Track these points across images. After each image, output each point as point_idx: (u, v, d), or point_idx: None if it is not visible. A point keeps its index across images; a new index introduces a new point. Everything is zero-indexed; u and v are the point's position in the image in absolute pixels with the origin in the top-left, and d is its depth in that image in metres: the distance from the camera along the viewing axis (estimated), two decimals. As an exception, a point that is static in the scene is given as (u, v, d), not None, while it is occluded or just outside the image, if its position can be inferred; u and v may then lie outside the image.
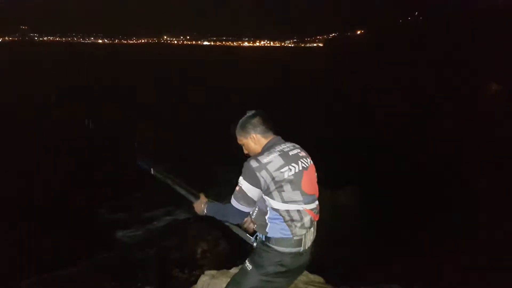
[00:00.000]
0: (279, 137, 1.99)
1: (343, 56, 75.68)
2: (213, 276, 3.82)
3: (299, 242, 1.90)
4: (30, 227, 9.71)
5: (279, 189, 1.81)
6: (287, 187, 1.82)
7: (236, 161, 1.96)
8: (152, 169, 2.33)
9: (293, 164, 1.85)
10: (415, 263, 6.87)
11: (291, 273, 1.99)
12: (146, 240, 9.86)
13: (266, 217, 1.90)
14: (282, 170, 1.81)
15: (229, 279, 2.11)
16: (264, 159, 1.82)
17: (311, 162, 1.97)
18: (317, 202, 1.95)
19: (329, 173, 6.32)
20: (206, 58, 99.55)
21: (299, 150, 1.95)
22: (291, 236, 1.87)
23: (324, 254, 1.82)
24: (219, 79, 44.12)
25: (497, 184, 10.43)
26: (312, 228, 1.95)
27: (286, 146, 1.93)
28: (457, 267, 6.70)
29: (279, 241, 1.89)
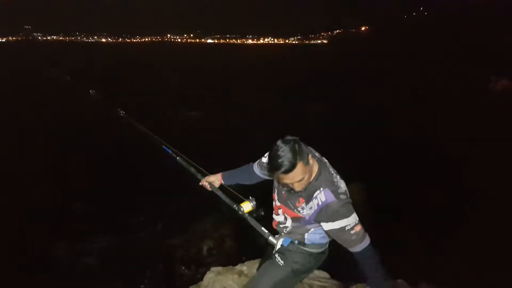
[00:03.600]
0: (314, 153, 1.93)
1: (347, 53, 75.15)
2: (219, 273, 3.86)
3: (328, 243, 2.07)
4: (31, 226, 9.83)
5: None
6: None
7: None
8: (178, 157, 2.26)
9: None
10: (420, 258, 6.87)
11: (313, 269, 2.16)
12: (152, 238, 9.93)
13: (310, 231, 1.92)
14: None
15: (235, 276, 2.12)
16: (339, 188, 1.83)
17: None
18: None
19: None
20: (210, 56, 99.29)
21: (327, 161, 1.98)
22: (328, 240, 2.02)
23: (329, 249, 1.88)
24: (222, 77, 44.03)
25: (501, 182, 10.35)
26: None
27: (325, 160, 1.93)
28: (461, 263, 6.69)
29: (315, 246, 1.98)
